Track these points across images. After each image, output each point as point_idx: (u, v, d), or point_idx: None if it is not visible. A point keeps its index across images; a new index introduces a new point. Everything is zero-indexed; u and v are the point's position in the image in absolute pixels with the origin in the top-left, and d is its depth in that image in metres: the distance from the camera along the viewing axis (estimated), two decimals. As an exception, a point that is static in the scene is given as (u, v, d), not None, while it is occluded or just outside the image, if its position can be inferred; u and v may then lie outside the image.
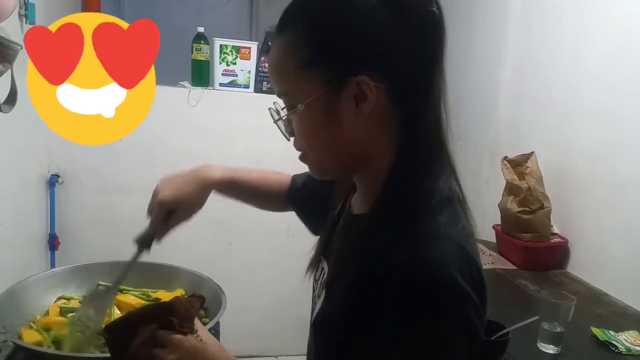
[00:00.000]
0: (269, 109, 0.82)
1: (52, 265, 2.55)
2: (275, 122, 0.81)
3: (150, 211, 1.07)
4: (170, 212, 1.04)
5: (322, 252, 0.89)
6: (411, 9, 0.71)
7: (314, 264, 0.90)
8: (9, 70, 1.23)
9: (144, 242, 1.03)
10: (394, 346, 0.64)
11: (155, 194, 1.06)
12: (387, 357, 0.65)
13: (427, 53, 0.72)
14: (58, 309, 1.21)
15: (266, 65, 2.78)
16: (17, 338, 1.07)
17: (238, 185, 1.13)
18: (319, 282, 0.87)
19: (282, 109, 0.79)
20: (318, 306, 0.81)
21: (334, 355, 0.75)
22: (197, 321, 0.82)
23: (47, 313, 1.20)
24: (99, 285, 1.16)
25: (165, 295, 1.31)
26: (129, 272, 1.07)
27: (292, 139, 0.81)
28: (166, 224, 1.05)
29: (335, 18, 0.72)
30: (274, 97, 0.80)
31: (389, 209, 0.73)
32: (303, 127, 0.76)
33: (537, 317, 1.43)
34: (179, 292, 1.32)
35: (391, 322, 0.65)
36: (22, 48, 1.22)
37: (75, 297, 1.28)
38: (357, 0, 0.71)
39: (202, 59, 2.70)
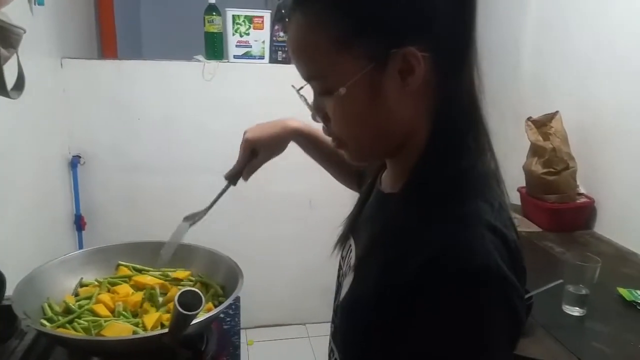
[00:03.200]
0: (301, 96, 0.75)
1: (80, 246, 2.60)
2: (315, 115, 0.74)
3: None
4: (254, 151, 1.09)
5: (350, 230, 0.85)
6: None
7: (342, 240, 0.86)
8: (15, 56, 1.22)
9: (231, 178, 1.10)
10: (435, 337, 0.59)
11: (243, 134, 1.11)
12: (426, 348, 0.60)
13: (464, 13, 0.66)
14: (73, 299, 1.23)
15: (280, 34, 2.73)
16: (38, 324, 1.09)
17: (316, 142, 1.14)
18: (346, 260, 0.84)
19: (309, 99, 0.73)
20: (345, 287, 0.77)
21: (363, 339, 0.70)
22: None
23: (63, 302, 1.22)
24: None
25: (183, 275, 1.31)
26: (216, 202, 1.12)
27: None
28: (250, 163, 1.10)
29: None
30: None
31: (423, 189, 0.67)
32: (345, 113, 0.68)
33: (561, 281, 1.41)
34: (187, 273, 1.33)
35: (430, 314, 0.59)
36: (25, 32, 1.20)
37: (96, 282, 1.30)
38: None
39: (215, 31, 2.67)
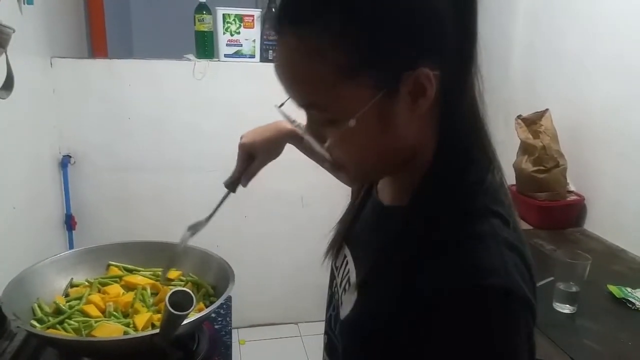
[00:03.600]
0: (293, 121, 0.70)
1: (71, 246, 2.59)
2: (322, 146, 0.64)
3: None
4: (250, 156, 1.07)
5: (344, 237, 0.81)
6: None
7: (333, 247, 0.83)
8: (4, 55, 1.22)
9: (230, 185, 1.09)
10: (451, 358, 0.57)
11: (240, 139, 1.09)
12: None
13: (467, 24, 0.62)
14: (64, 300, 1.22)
15: (271, 33, 2.72)
16: (28, 325, 1.08)
17: None
18: (341, 271, 0.80)
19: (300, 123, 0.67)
20: (348, 304, 0.71)
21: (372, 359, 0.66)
22: None
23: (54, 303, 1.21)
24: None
25: (174, 274, 1.31)
26: (217, 211, 1.12)
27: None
28: (248, 169, 1.08)
29: (383, 2, 0.56)
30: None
31: (433, 204, 0.63)
32: (352, 144, 0.63)
33: (551, 278, 1.42)
34: (178, 273, 1.33)
35: (446, 335, 0.56)
36: (14, 31, 1.20)
37: (86, 283, 1.29)
38: None
39: (206, 29, 2.66)
